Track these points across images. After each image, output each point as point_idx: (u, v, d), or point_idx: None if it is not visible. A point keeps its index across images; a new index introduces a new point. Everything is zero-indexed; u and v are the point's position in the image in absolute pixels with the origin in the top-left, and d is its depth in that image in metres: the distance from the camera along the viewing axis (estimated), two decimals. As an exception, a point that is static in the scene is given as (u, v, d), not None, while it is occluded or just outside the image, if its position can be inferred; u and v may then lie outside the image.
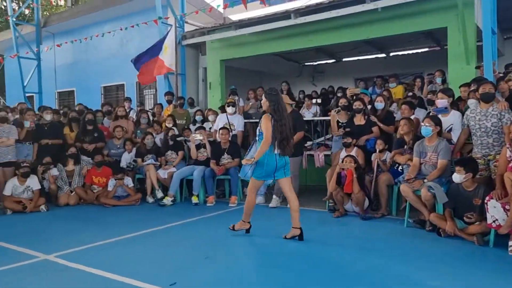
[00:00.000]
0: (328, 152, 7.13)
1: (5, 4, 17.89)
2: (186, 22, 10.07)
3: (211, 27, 9.54)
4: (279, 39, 8.64)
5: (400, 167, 5.64)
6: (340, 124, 6.53)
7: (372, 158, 6.02)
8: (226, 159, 6.96)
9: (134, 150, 7.45)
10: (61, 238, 4.83)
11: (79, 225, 5.58)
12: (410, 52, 11.17)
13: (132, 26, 9.89)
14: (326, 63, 12.63)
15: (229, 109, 7.40)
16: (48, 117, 7.35)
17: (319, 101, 9.01)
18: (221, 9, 9.70)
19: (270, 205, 6.40)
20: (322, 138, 8.38)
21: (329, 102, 10.03)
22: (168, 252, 4.24)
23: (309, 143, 8.16)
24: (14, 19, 13.34)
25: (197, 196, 6.80)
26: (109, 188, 6.85)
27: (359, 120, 6.33)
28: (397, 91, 8.30)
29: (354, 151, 6.01)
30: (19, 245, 4.48)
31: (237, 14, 9.34)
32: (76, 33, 12.60)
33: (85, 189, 7.04)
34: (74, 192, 6.95)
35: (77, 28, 12.91)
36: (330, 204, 6.09)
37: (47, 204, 6.54)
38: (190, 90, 10.82)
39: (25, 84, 13.12)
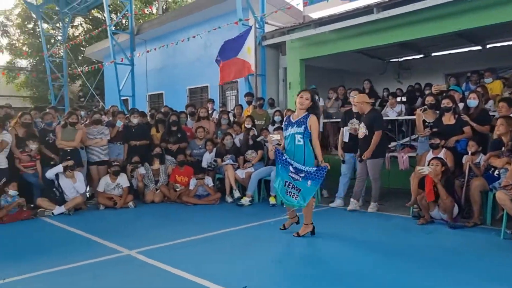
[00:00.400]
0: (414, 154, 6.68)
1: (104, 15, 19.49)
2: (266, 23, 10.11)
3: (290, 27, 9.45)
4: (361, 35, 8.28)
5: (496, 172, 5.09)
6: (426, 124, 6.07)
7: (463, 161, 5.51)
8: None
9: (214, 150, 7.63)
10: (144, 234, 5.10)
11: (161, 222, 5.87)
12: (510, 43, 10.06)
13: (215, 29, 10.17)
14: (413, 58, 11.87)
15: None
16: (135, 120, 7.82)
17: (404, 99, 8.49)
18: (301, 7, 9.56)
19: (349, 208, 6.16)
20: (407, 139, 7.92)
21: (416, 100, 9.43)
22: (241, 254, 4.26)
23: (392, 144, 7.74)
24: (113, 28, 14.52)
25: (275, 197, 6.77)
26: (191, 187, 7.10)
27: (448, 119, 5.83)
28: (494, 86, 7.51)
29: (442, 153, 5.55)
30: (107, 239, 4.80)
31: (317, 12, 9.12)
32: (165, 39, 13.31)
33: (168, 187, 7.37)
34: (159, 190, 7.31)
35: (166, 34, 13.63)
36: (414, 210, 5.68)
37: (134, 201, 6.97)
38: (271, 91, 10.84)
39: (120, 88, 14.16)
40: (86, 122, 7.93)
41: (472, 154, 5.40)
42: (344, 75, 12.67)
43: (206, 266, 3.80)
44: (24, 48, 20.94)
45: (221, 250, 4.41)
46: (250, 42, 9.11)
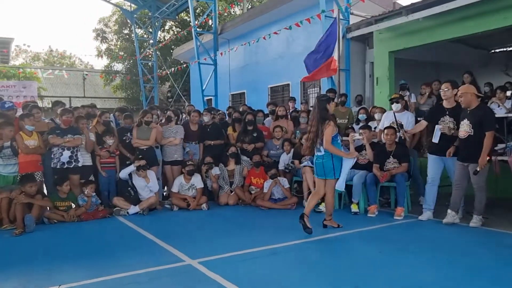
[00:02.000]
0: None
1: (189, 16, 20.03)
2: (352, 14, 9.35)
3: (378, 15, 8.60)
4: (461, 20, 7.19)
5: None
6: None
7: None
8: (391, 163, 6.07)
9: (292, 151, 7.14)
10: (211, 241, 4.76)
11: (231, 228, 5.52)
12: None
13: (297, 25, 9.63)
14: (526, 47, 10.30)
15: (394, 106, 6.45)
16: (205, 118, 7.59)
17: (513, 93, 7.24)
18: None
19: (445, 220, 5.26)
20: (520, 140, 6.68)
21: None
22: (311, 272, 3.69)
23: (500, 146, 6.57)
24: (198, 29, 14.74)
25: (357, 204, 6.09)
26: (265, 190, 6.68)
27: None
28: None
29: None
30: (173, 244, 4.54)
31: (409, -3, 8.19)
32: (247, 37, 13.10)
33: (243, 189, 7.03)
34: (234, 192, 7.01)
35: (248, 32, 13.43)
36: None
37: (208, 203, 6.73)
38: (356, 87, 10.07)
39: (203, 88, 14.28)
40: (162, 121, 7.91)
41: None
42: (439, 68, 11.41)
43: (271, 285, 3.32)
44: (120, 53, 22.29)
45: (290, 266, 3.89)
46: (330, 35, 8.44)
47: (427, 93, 8.36)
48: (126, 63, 22.72)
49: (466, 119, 5.07)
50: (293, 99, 10.51)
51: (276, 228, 5.38)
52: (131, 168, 6.40)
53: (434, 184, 5.62)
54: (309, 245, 4.55)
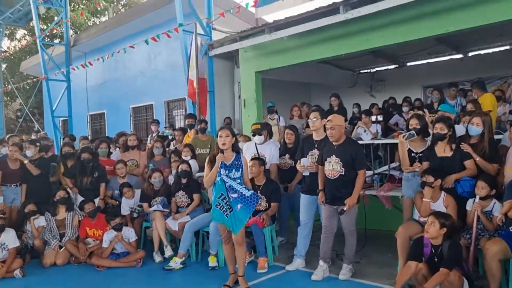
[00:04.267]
0: (397, 193, 5.06)
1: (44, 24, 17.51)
2: (214, 29, 8.47)
3: (240, 32, 7.83)
4: (326, 41, 6.73)
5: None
6: (413, 155, 4.47)
7: (468, 208, 3.97)
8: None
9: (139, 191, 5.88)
10: None
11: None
12: (495, 49, 8.78)
13: (153, 39, 8.39)
14: (387, 69, 10.51)
15: (256, 139, 5.61)
16: (29, 152, 5.95)
17: (380, 118, 7.00)
18: (252, 9, 7.99)
19: (313, 277, 4.41)
20: (386, 167, 6.32)
21: (390, 117, 7.97)
22: None
23: (368, 173, 6.16)
24: (47, 40, 12.62)
25: (216, 256, 5.03)
26: (104, 244, 5.27)
27: (442, 150, 4.27)
28: (484, 101, 6.04)
29: (440, 200, 3.98)
30: None
31: (273, 14, 7.59)
32: (105, 50, 11.40)
33: (78, 243, 5.52)
34: (64, 248, 5.44)
35: (107, 46, 11.81)
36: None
37: (22, 269, 5.04)
38: (225, 109, 9.21)
39: (54, 108, 12.19)
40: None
41: (482, 198, 3.86)
42: (309, 89, 11.21)
43: None
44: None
45: None
46: (192, 52, 7.42)
47: (297, 116, 7.85)
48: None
49: (333, 155, 4.35)
50: (156, 122, 9.28)
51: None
52: None
53: (307, 227, 4.84)
54: None
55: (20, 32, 20.52)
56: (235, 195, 3.95)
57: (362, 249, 5.15)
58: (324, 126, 4.50)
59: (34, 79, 14.76)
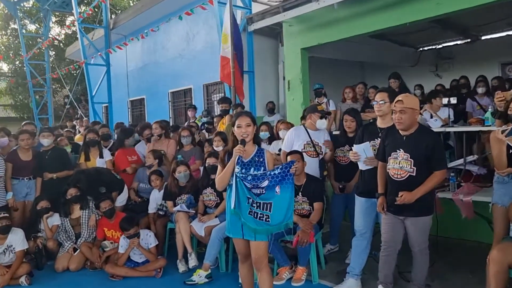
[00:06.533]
0: (483, 198, 3.88)
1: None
2: (254, 0, 7.45)
3: (284, 1, 6.76)
4: (386, 8, 5.51)
5: None
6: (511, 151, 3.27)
7: None
8: (299, 203, 4.24)
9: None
10: None
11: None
12: None
13: (187, 13, 7.55)
14: (456, 44, 9.01)
15: (321, 123, 4.52)
16: (44, 141, 5.32)
17: (453, 100, 5.69)
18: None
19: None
20: (460, 161, 5.09)
21: (464, 100, 6.63)
22: None
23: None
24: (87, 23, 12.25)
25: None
26: (120, 250, 4.54)
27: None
28: None
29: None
30: None
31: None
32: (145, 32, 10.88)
33: (94, 246, 4.84)
34: (78, 251, 4.79)
35: (145, 26, 11.12)
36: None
37: (28, 276, 4.42)
38: (269, 92, 8.25)
39: (93, 93, 11.80)
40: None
41: None
42: (364, 68, 9.97)
43: None
44: (9, 52, 18.88)
45: None
46: (225, 27, 6.48)
47: (350, 98, 6.75)
48: (12, 65, 19.32)
49: (401, 150, 3.26)
50: (193, 107, 8.52)
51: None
52: None
53: (364, 238, 3.82)
54: None
55: (70, 19, 20.51)
56: (265, 183, 2.96)
57: (433, 265, 4.05)
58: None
59: (75, 65, 14.58)
